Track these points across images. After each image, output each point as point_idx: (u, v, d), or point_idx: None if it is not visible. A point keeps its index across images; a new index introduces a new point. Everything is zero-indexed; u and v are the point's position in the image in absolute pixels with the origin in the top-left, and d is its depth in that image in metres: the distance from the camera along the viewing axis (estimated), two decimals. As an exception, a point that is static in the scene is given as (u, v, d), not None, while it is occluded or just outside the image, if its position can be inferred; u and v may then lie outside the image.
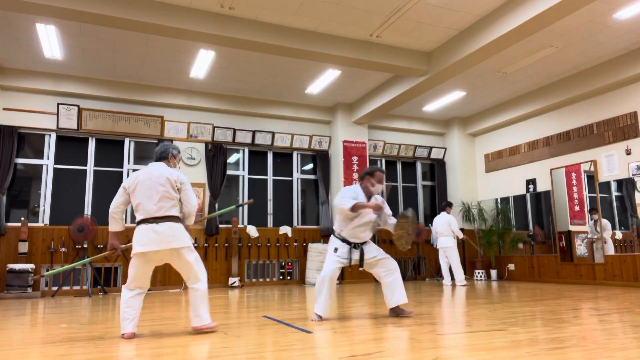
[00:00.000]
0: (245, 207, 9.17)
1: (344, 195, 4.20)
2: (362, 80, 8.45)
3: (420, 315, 4.23)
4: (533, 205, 9.39)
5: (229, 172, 9.14)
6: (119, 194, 3.56)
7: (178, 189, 3.53)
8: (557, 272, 8.63)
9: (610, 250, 7.74)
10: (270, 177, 9.52)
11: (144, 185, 3.48)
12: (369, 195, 4.32)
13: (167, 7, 5.86)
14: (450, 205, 8.77)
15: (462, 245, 10.24)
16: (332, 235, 4.35)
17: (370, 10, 6.08)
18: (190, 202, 3.58)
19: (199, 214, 3.84)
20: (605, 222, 7.88)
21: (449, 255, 8.38)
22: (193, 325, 3.48)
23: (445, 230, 8.40)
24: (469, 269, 10.21)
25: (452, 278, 8.56)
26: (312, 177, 9.93)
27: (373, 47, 7.00)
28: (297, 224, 9.55)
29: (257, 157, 9.50)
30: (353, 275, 9.20)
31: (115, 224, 3.56)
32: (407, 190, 10.69)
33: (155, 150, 3.75)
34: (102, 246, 7.87)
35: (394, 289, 4.15)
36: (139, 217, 3.48)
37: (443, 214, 8.58)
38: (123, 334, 3.33)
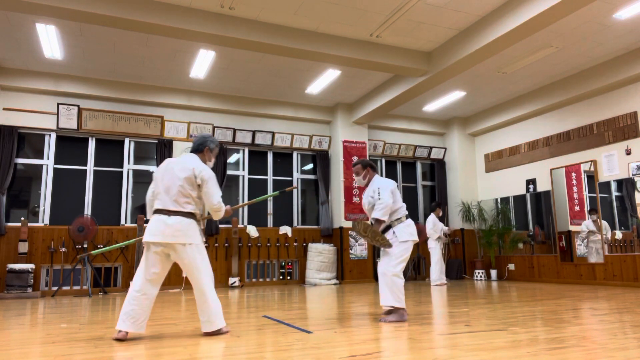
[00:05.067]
0: (245, 207, 9.17)
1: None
2: (362, 80, 8.44)
3: (420, 315, 4.23)
4: (533, 205, 9.38)
5: (229, 172, 9.14)
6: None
7: (198, 185, 3.42)
8: (557, 272, 8.63)
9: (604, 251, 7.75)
10: (270, 177, 9.52)
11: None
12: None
13: (167, 7, 5.86)
14: (438, 205, 8.92)
15: (462, 245, 10.25)
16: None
17: (370, 10, 6.08)
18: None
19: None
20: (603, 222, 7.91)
21: (431, 255, 8.64)
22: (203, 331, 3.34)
23: (429, 231, 8.61)
24: (469, 268, 10.21)
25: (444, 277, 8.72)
26: (312, 177, 9.92)
27: (373, 47, 7.00)
28: (297, 224, 9.55)
29: (257, 157, 9.50)
30: (353, 275, 9.20)
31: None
32: (407, 190, 10.68)
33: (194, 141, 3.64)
34: (102, 246, 7.87)
35: None
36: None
37: (432, 214, 8.75)
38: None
